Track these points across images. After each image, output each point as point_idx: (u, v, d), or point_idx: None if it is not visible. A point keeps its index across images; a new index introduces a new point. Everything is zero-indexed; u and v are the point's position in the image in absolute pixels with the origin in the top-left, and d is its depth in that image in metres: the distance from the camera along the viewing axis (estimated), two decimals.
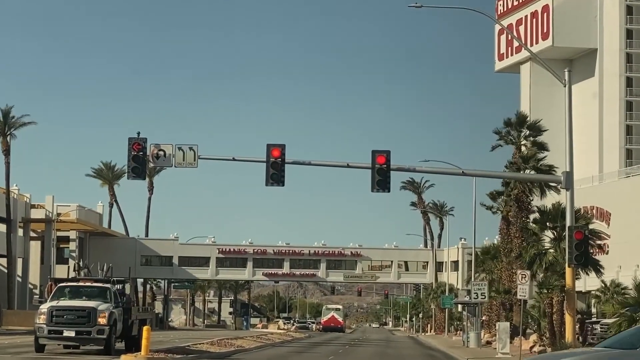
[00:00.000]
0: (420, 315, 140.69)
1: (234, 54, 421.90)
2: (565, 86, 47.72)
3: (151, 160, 44.01)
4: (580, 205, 72.65)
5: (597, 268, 50.92)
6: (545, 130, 70.36)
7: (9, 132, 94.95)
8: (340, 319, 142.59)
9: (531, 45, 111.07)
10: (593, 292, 68.52)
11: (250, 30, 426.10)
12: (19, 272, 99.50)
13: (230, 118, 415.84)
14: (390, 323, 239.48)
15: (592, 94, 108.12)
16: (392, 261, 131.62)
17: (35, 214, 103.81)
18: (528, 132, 70.74)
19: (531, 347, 53.24)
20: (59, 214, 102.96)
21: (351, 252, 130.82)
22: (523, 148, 69.45)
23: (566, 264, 46.22)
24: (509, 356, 47.82)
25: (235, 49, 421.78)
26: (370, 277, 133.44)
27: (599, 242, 58.41)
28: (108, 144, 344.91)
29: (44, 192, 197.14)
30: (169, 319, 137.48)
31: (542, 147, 68.78)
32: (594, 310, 69.47)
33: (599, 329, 51.25)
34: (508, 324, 54.01)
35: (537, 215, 55.83)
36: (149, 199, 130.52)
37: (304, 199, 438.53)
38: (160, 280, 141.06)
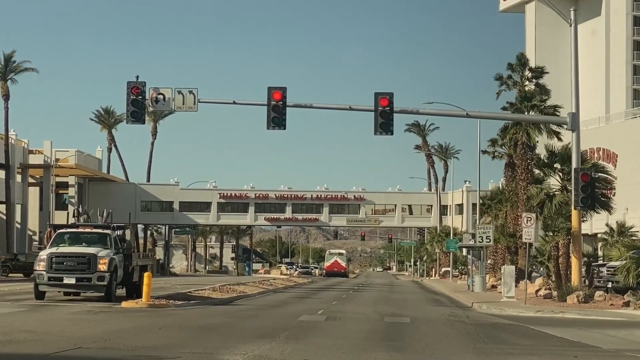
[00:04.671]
0: (425, 259, 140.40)
1: None
2: (570, 26, 46.87)
3: (150, 104, 43.46)
4: (587, 147, 71.99)
5: (607, 207, 49.85)
6: (547, 73, 69.38)
7: (9, 77, 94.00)
8: (343, 264, 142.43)
9: None
10: (600, 234, 67.86)
11: None
12: (18, 218, 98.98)
13: (231, 62, 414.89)
14: (394, 267, 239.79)
15: (591, 31, 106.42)
16: (395, 205, 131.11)
17: (34, 159, 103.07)
18: (530, 74, 69.79)
19: (537, 291, 52.70)
20: (57, 160, 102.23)
21: (354, 196, 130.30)
22: (526, 89, 68.58)
23: (572, 207, 45.63)
24: (514, 300, 47.27)
25: None
26: (373, 222, 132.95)
27: (607, 183, 57.44)
28: (107, 90, 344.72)
29: (42, 137, 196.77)
30: (170, 265, 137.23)
31: (545, 88, 67.87)
32: (600, 252, 68.85)
33: (606, 272, 50.60)
34: (513, 267, 53.36)
35: (542, 156, 54.95)
36: (152, 143, 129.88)
37: (306, 143, 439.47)
38: (160, 225, 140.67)
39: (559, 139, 62.07)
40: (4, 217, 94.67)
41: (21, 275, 75.35)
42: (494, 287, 65.24)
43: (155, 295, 39.46)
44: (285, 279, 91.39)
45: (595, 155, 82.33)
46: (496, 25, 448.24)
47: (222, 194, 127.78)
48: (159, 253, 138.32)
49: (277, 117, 42.46)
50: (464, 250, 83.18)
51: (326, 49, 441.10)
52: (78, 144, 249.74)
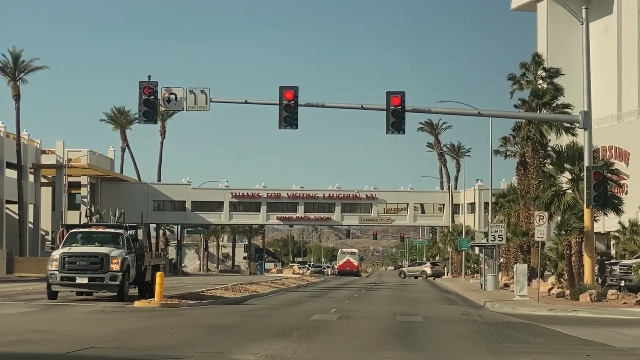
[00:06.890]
0: (437, 258, 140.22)
1: None
2: (582, 24, 46.77)
3: (162, 104, 43.57)
4: (599, 145, 71.69)
5: (617, 208, 49.72)
6: (562, 75, 69.15)
7: (19, 77, 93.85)
8: (355, 263, 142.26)
9: None
10: (612, 233, 67.64)
11: None
12: (31, 218, 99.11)
13: (243, 61, 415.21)
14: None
15: (602, 29, 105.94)
16: (407, 204, 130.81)
17: (46, 159, 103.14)
18: (544, 73, 69.61)
19: (549, 289, 52.66)
20: (69, 160, 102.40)
21: (366, 195, 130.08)
22: (539, 88, 68.37)
23: (584, 205, 45.56)
24: (526, 298, 47.24)
25: None
26: (385, 220, 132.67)
27: (619, 181, 57.28)
28: (119, 89, 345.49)
29: (54, 137, 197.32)
30: (183, 265, 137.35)
31: (559, 89, 67.67)
32: (613, 251, 68.67)
33: (618, 271, 50.50)
34: (526, 266, 53.29)
35: (553, 154, 54.81)
36: (161, 143, 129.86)
37: (318, 142, 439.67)
38: (173, 225, 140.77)
39: (573, 135, 61.77)
40: (17, 217, 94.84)
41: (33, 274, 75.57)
42: (506, 285, 65.16)
43: (168, 295, 39.53)
44: (297, 278, 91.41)
45: (607, 153, 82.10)
46: (508, 24, 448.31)
47: (234, 194, 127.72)
48: (172, 252, 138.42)
49: (289, 117, 42.49)
50: (477, 249, 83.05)
51: (338, 48, 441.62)
52: (90, 143, 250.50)
